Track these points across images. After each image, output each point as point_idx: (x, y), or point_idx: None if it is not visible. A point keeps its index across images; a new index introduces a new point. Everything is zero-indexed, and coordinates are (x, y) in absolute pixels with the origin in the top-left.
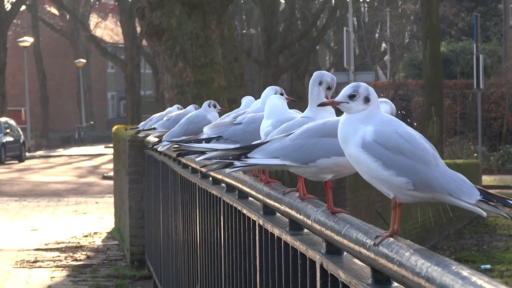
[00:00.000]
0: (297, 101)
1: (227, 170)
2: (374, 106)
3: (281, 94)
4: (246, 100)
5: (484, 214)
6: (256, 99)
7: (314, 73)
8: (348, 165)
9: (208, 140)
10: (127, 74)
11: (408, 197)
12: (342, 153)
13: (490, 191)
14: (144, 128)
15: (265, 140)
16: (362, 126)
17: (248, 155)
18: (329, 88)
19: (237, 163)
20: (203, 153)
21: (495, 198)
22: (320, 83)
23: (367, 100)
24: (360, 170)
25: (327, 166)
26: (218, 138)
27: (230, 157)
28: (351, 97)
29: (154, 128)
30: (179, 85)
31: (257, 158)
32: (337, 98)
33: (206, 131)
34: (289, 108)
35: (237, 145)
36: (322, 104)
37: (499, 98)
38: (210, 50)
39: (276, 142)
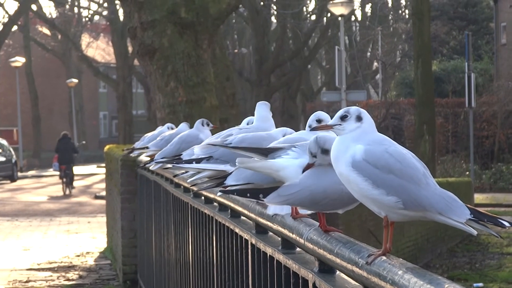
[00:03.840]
0: (289, 120)
1: (219, 193)
2: (367, 125)
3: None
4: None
5: (475, 232)
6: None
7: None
8: None
9: (198, 160)
10: (119, 93)
11: (399, 216)
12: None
13: (481, 210)
14: (137, 147)
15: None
16: (353, 145)
17: (265, 200)
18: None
19: (229, 181)
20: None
21: (485, 217)
22: (319, 121)
23: (359, 118)
24: (351, 190)
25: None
26: (208, 158)
27: (248, 195)
28: (343, 118)
29: (147, 147)
30: (171, 105)
31: (271, 200)
32: (330, 122)
33: (197, 152)
34: (282, 126)
35: (227, 165)
36: (315, 129)
37: (491, 117)
38: (202, 70)
39: (291, 190)
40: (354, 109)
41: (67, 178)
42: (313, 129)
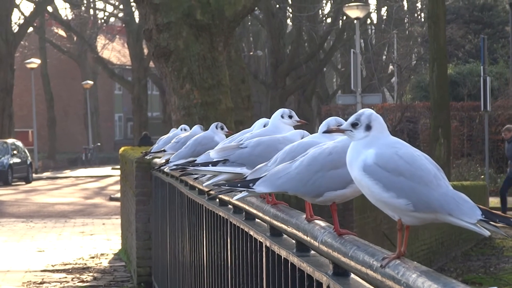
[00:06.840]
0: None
1: (235, 197)
2: (376, 132)
3: (290, 117)
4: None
5: (487, 233)
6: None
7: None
8: (353, 194)
9: (214, 163)
10: (134, 95)
11: (411, 218)
12: (348, 183)
13: (494, 211)
14: (153, 151)
15: (269, 168)
16: (364, 150)
17: (254, 186)
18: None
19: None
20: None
21: (498, 217)
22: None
23: (368, 127)
24: (365, 194)
25: (334, 198)
26: (224, 161)
27: (239, 185)
28: (354, 125)
29: (163, 150)
30: (186, 107)
31: (264, 189)
32: (342, 126)
33: (213, 154)
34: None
35: (243, 167)
36: (327, 131)
37: (506, 120)
38: (217, 72)
39: (282, 172)
40: (364, 117)
41: None
42: (325, 131)
